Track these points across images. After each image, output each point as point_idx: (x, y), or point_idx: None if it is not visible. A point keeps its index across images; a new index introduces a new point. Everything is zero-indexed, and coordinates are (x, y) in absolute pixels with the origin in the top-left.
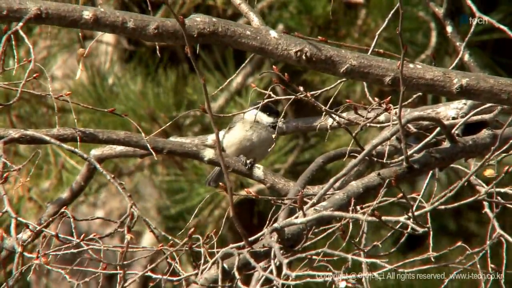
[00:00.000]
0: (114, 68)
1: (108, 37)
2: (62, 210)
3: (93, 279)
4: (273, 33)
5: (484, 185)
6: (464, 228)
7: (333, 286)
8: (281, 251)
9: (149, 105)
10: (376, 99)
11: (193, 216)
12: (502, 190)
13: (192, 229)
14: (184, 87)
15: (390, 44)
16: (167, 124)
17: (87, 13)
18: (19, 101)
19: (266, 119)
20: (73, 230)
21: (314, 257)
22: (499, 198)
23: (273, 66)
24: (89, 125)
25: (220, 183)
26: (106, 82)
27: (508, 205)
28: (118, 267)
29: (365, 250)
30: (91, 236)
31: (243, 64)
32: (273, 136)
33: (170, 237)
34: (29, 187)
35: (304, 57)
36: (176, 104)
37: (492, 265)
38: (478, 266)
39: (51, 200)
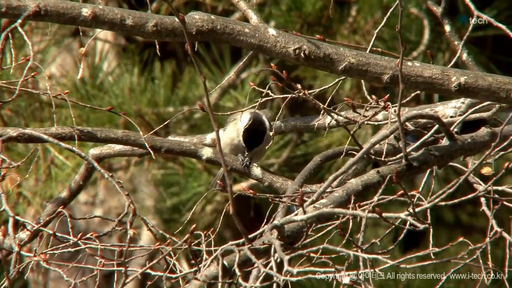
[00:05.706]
0: (111, 64)
1: (107, 34)
2: (59, 209)
3: (91, 277)
4: (271, 31)
5: (481, 183)
6: (462, 221)
7: (334, 282)
8: (281, 248)
9: (138, 101)
10: (374, 97)
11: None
12: (500, 188)
13: (193, 226)
14: (179, 83)
15: (378, 41)
16: (162, 126)
17: (86, 10)
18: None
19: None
20: (70, 230)
21: (313, 254)
22: (496, 196)
23: (271, 64)
24: (87, 122)
25: (219, 182)
26: (102, 78)
27: (505, 203)
28: (119, 264)
29: (363, 248)
30: (88, 235)
31: (241, 63)
32: (271, 134)
33: (168, 236)
34: (19, 183)
35: (302, 54)
36: (167, 100)
37: (492, 264)
38: (481, 261)
39: (45, 198)
